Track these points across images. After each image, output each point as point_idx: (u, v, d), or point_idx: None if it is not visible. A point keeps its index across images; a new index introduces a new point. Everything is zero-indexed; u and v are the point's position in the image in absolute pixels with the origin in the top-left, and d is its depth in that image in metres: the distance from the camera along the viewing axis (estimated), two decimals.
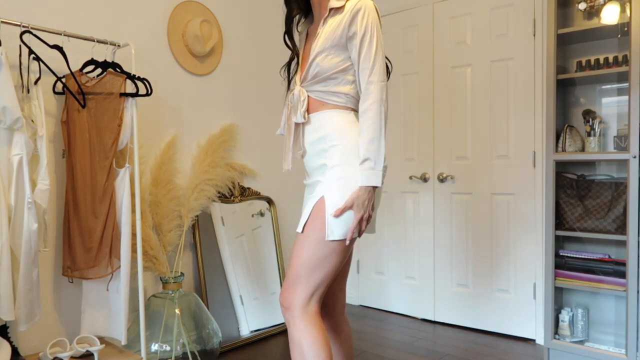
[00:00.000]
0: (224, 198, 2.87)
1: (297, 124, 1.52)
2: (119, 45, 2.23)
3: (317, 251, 1.42)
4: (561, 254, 2.50)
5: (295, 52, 1.57)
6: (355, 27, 1.43)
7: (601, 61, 2.46)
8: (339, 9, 1.46)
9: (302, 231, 1.45)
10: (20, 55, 1.91)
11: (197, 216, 2.69)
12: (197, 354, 2.44)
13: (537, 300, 2.82)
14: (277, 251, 3.14)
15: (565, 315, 2.49)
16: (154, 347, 2.36)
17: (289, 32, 1.58)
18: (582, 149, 2.48)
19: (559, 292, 2.53)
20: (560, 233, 2.43)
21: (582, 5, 2.47)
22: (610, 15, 2.35)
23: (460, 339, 2.92)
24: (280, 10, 3.45)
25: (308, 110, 1.51)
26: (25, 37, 1.93)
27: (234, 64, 3.05)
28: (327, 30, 1.46)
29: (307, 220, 1.44)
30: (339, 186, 1.43)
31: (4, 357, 1.85)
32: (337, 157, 1.45)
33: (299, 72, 1.56)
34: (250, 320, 2.87)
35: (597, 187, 2.43)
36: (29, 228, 1.87)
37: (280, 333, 3.00)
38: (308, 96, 1.50)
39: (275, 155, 3.29)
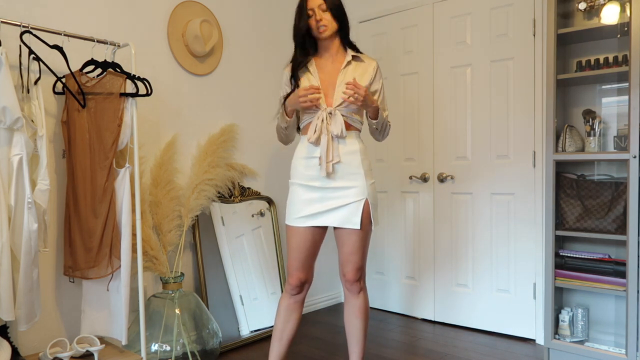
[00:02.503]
0: (224, 198, 2.87)
1: (332, 137, 1.96)
2: (119, 45, 2.23)
3: (369, 239, 2.07)
4: (561, 253, 2.50)
5: (297, 86, 2.03)
6: (379, 81, 2.10)
7: (601, 61, 2.46)
8: (357, 57, 2.07)
9: (361, 228, 1.98)
10: (20, 55, 1.91)
11: (197, 216, 2.69)
12: (197, 354, 2.44)
13: (537, 300, 2.82)
14: (277, 251, 3.14)
15: (565, 315, 2.49)
16: (154, 347, 2.36)
17: (295, 71, 2.05)
18: (582, 149, 2.48)
19: (559, 292, 2.53)
20: (560, 233, 2.43)
21: (582, 5, 2.47)
22: (610, 15, 2.35)
23: (460, 339, 2.92)
24: (281, 11, 3.44)
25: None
26: (25, 37, 1.93)
27: (234, 64, 3.05)
28: (354, 74, 2.02)
29: (362, 219, 1.96)
30: (372, 189, 2.03)
31: (4, 357, 1.85)
32: (366, 167, 2.02)
33: (324, 96, 1.99)
34: (250, 320, 2.87)
35: (597, 187, 2.43)
36: (29, 228, 1.87)
37: None
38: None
39: (275, 156, 3.28)
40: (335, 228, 2.04)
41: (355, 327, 2.11)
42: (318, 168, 1.97)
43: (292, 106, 2.00)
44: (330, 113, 1.96)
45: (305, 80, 2.04)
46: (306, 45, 2.05)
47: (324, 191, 1.99)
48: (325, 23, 1.99)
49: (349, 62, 2.05)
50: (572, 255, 2.47)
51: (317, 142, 1.96)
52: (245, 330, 2.84)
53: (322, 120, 1.95)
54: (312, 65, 2.06)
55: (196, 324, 2.50)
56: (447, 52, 3.14)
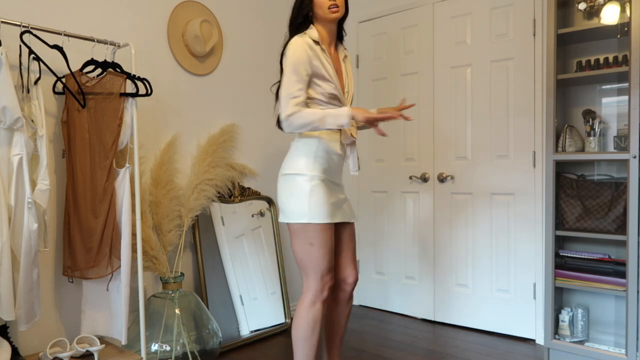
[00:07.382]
0: (224, 198, 2.87)
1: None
2: (119, 45, 2.23)
3: None
4: (561, 254, 2.50)
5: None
6: None
7: (601, 61, 2.46)
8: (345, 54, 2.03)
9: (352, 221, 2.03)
10: (20, 55, 1.92)
11: (197, 216, 2.69)
12: (197, 354, 2.44)
13: (537, 300, 2.82)
14: (277, 251, 3.14)
15: (565, 315, 2.49)
16: (154, 347, 2.36)
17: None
18: (582, 149, 2.48)
19: (559, 292, 2.53)
20: (560, 233, 2.43)
21: (582, 5, 2.47)
22: (610, 15, 2.35)
23: (460, 339, 2.92)
24: (280, 11, 3.45)
25: None
26: (25, 37, 1.93)
27: (234, 64, 3.05)
28: (350, 71, 2.00)
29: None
30: None
31: (4, 357, 1.85)
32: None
33: (342, 92, 1.92)
34: (250, 320, 2.87)
35: (597, 187, 2.43)
36: (29, 228, 1.87)
37: (280, 333, 3.00)
38: None
39: (275, 156, 3.28)
40: (336, 225, 1.99)
41: (341, 327, 2.13)
42: (337, 163, 1.94)
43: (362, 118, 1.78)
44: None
45: (326, 63, 1.86)
46: (305, 25, 1.89)
47: (337, 187, 1.98)
48: (339, 3, 1.86)
49: (345, 56, 2.01)
50: (572, 255, 2.47)
51: (350, 144, 1.95)
52: (245, 330, 2.84)
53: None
54: (326, 52, 1.89)
55: (196, 324, 2.50)
56: (447, 52, 3.14)
